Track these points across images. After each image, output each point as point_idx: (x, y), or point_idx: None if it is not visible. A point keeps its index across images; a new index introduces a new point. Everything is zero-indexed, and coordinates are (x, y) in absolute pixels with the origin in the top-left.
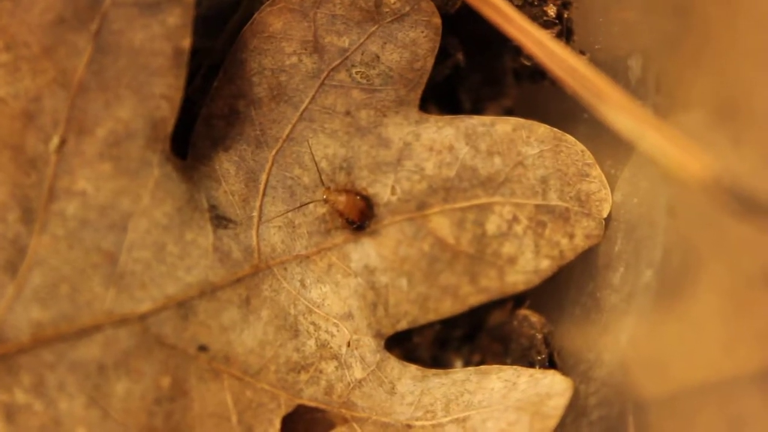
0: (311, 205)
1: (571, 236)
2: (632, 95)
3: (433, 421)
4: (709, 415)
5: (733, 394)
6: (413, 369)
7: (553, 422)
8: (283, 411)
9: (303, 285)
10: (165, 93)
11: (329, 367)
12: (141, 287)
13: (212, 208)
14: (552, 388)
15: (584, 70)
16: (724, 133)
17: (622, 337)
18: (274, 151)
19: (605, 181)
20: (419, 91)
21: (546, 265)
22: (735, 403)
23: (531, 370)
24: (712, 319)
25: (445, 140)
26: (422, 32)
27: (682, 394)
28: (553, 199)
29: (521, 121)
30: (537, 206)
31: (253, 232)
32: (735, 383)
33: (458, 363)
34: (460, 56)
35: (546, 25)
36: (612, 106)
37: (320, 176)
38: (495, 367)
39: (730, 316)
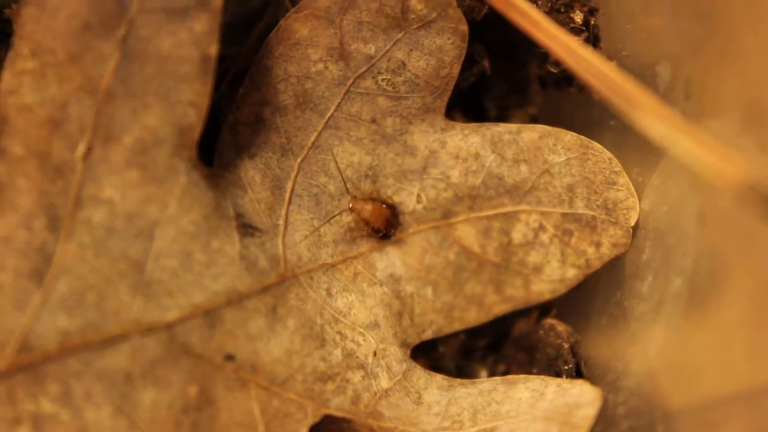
0: (337, 215)
1: (598, 245)
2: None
3: None
4: (737, 426)
5: (762, 404)
6: (439, 379)
7: None
8: (310, 421)
9: (329, 294)
10: (192, 100)
11: (356, 376)
12: (168, 296)
13: (238, 216)
14: (581, 398)
15: (614, 76)
16: (752, 138)
17: (651, 346)
18: (299, 159)
19: (633, 189)
20: (445, 99)
21: (572, 274)
22: (764, 413)
23: (559, 380)
24: (742, 328)
25: (471, 148)
26: (449, 39)
27: (711, 404)
28: (580, 208)
29: (548, 128)
30: (563, 215)
31: (279, 241)
32: (764, 393)
33: (483, 373)
34: (486, 63)
35: (573, 32)
36: (644, 111)
37: (345, 185)
38: (522, 376)
39: (760, 325)
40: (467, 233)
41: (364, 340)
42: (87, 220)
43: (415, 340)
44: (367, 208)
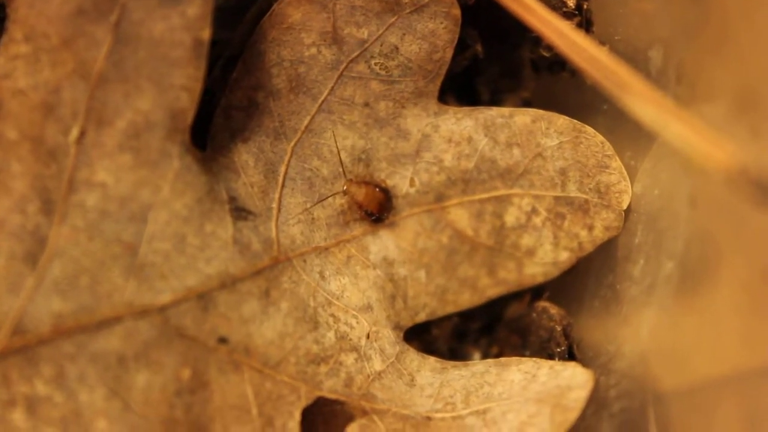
0: (330, 197)
1: (591, 228)
2: (653, 86)
3: (453, 413)
4: (728, 409)
5: (752, 387)
6: (432, 361)
7: (574, 414)
8: (303, 403)
9: (322, 277)
10: (185, 84)
11: (349, 359)
12: (161, 279)
13: (232, 199)
14: (573, 380)
15: (606, 60)
16: (743, 124)
17: (643, 329)
18: (293, 143)
19: (625, 173)
20: (438, 83)
21: (565, 257)
22: (754, 396)
23: (551, 362)
24: (733, 311)
25: (464, 132)
26: (441, 23)
27: (702, 387)
28: (573, 191)
29: (540, 112)
30: (556, 198)
31: (273, 224)
32: (755, 377)
33: (476, 355)
34: (478, 47)
35: (565, 16)
36: (635, 96)
37: (342, 167)
38: (515, 359)
39: (751, 309)
40: (460, 216)
41: (357, 322)
42: (80, 203)
43: (408, 323)
44: (361, 192)
